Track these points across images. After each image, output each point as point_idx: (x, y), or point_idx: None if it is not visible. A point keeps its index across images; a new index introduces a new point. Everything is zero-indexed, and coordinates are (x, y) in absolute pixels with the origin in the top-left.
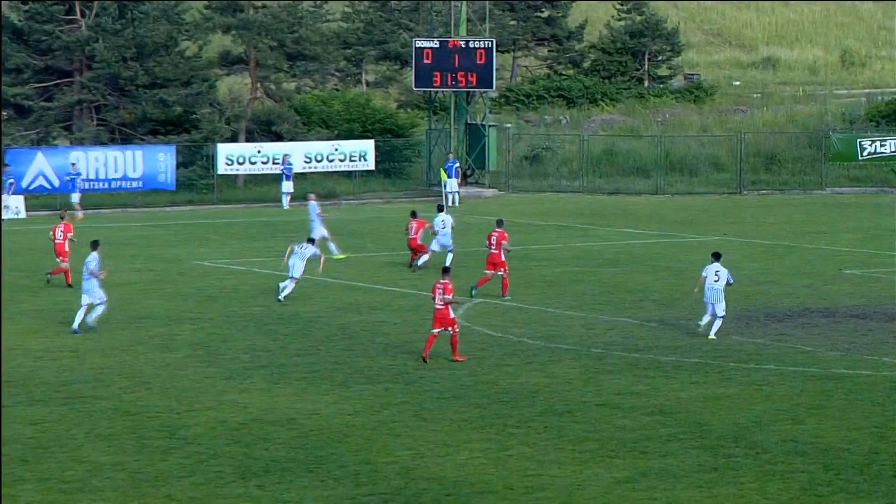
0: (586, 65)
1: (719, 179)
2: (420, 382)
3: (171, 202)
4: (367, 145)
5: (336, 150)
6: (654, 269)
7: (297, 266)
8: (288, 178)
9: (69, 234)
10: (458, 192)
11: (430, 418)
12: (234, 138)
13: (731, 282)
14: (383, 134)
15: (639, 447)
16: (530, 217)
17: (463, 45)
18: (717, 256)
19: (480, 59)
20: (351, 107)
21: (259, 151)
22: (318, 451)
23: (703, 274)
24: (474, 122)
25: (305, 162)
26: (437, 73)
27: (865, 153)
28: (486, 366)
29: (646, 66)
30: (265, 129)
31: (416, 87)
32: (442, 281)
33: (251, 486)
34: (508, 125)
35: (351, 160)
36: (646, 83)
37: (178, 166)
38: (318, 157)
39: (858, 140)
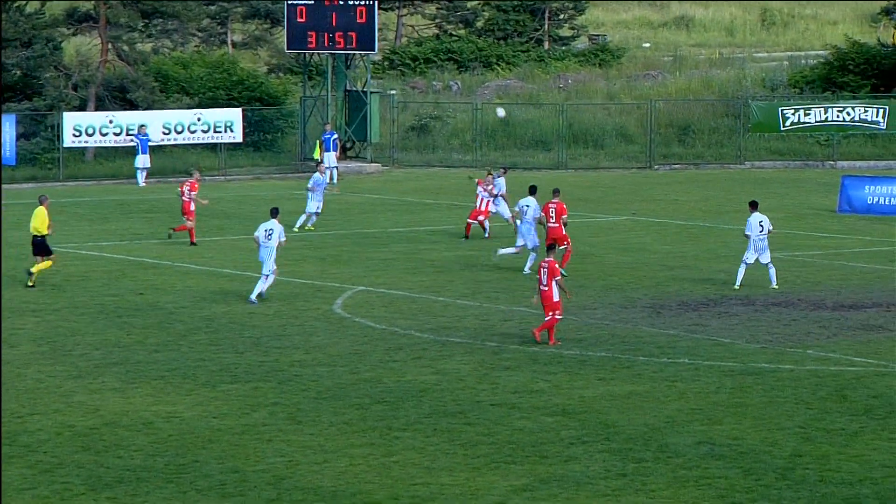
0: (479, 24)
1: (628, 152)
2: (294, 381)
3: (11, 179)
4: (234, 115)
5: (198, 119)
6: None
7: (266, 262)
8: (143, 151)
9: (193, 193)
10: (337, 168)
11: (305, 421)
12: (82, 106)
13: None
14: (252, 102)
15: (539, 451)
16: (418, 195)
17: (341, 2)
18: (754, 205)
19: (361, 17)
20: (215, 71)
21: (111, 121)
22: (178, 459)
23: (747, 231)
24: (354, 89)
25: (164, 133)
26: (313, 33)
27: (788, 123)
28: (369, 362)
29: (546, 26)
30: (118, 96)
31: (288, 48)
32: (547, 260)
33: (102, 499)
34: (393, 92)
35: (215, 131)
36: (546, 45)
37: (18, 138)
38: (179, 128)
39: (780, 108)
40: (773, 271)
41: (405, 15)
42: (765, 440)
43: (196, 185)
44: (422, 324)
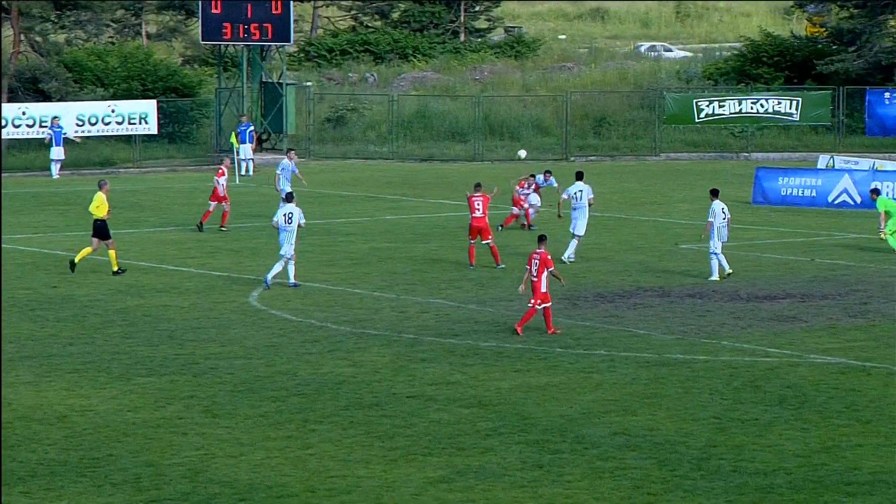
0: (395, 16)
1: (544, 144)
2: (210, 374)
3: None
4: (149, 106)
5: (113, 111)
6: None
7: (284, 245)
8: (57, 143)
9: (222, 179)
10: (253, 160)
11: (221, 414)
12: None
13: None
14: (167, 93)
15: (455, 443)
16: (334, 187)
17: None
18: (715, 193)
19: (276, 8)
20: (129, 62)
21: (24, 113)
22: (93, 453)
23: (710, 218)
24: (270, 81)
25: (78, 125)
26: (228, 25)
27: (703, 115)
28: (285, 354)
29: (462, 18)
30: (30, 88)
31: (203, 40)
32: (538, 251)
33: (16, 494)
34: (309, 83)
35: (130, 123)
36: (462, 37)
37: None
38: (93, 120)
39: (695, 100)
40: (723, 260)
41: (321, 6)
42: (680, 431)
43: (223, 172)
44: (338, 316)
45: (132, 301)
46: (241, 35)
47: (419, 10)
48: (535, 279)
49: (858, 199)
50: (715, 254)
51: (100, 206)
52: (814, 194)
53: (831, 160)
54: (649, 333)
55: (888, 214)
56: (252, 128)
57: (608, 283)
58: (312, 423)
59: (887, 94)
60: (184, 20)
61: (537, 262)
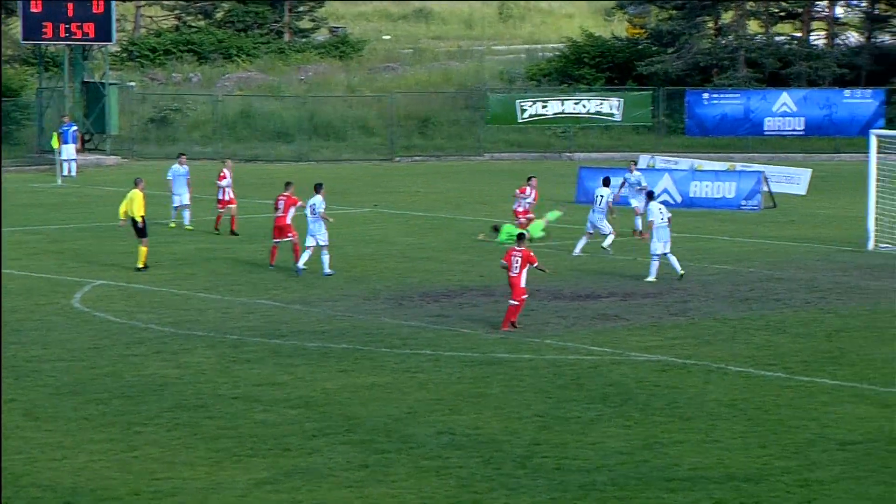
0: (219, 16)
1: (369, 144)
2: (32, 377)
3: None
4: None
5: None
6: None
7: (316, 235)
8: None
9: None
10: (76, 161)
11: (43, 417)
12: None
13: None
14: None
15: (281, 444)
16: (158, 188)
17: None
18: (651, 195)
19: (97, 7)
20: None
21: None
22: None
23: (650, 218)
24: (93, 80)
25: None
26: (48, 24)
27: (525, 115)
28: (109, 356)
29: (286, 18)
30: None
31: (23, 39)
32: (518, 248)
33: None
34: (132, 84)
35: None
36: (286, 37)
37: None
38: None
39: (518, 101)
40: (673, 260)
41: (143, 6)
42: (504, 429)
43: (225, 175)
44: (162, 317)
45: None
46: (63, 34)
47: (243, 10)
48: (515, 276)
49: (679, 199)
50: (655, 255)
51: (139, 206)
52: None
53: (652, 160)
54: (474, 332)
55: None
56: (75, 128)
57: (433, 282)
58: (137, 426)
59: (706, 95)
60: (4, 19)
61: (518, 259)
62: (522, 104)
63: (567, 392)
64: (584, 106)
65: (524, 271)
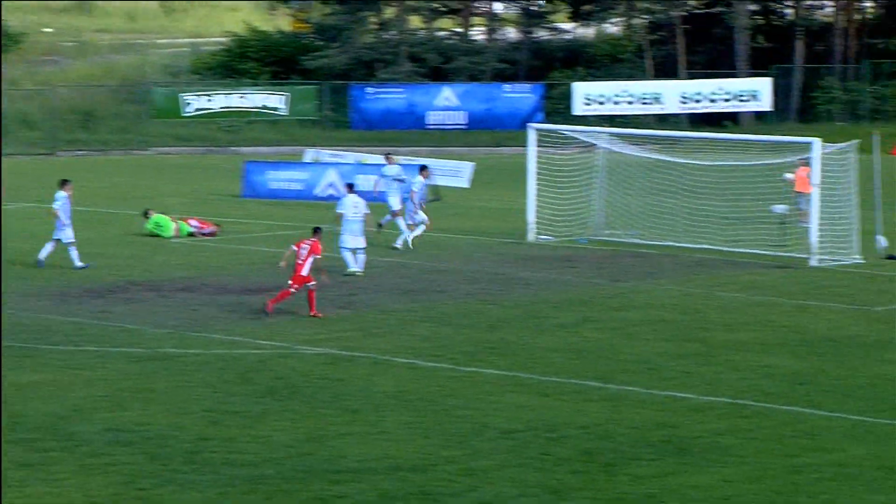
0: None
1: (31, 139)
2: None
3: None
4: None
5: None
6: None
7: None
8: None
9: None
10: None
11: None
12: None
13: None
14: None
15: None
16: None
17: None
18: (350, 187)
19: None
20: None
21: None
22: None
23: (340, 209)
24: None
25: None
26: None
27: (191, 109)
28: None
29: None
30: None
31: None
32: (310, 240)
33: None
34: None
35: None
36: None
37: None
38: None
39: (182, 95)
40: (361, 257)
41: None
42: (172, 424)
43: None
44: None
45: None
46: None
47: None
48: (301, 263)
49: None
50: (345, 248)
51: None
52: (301, 187)
53: (318, 154)
54: (141, 328)
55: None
56: None
57: (98, 278)
58: None
59: (370, 89)
60: None
61: (306, 248)
62: (187, 98)
63: (235, 386)
64: (249, 100)
65: (309, 261)
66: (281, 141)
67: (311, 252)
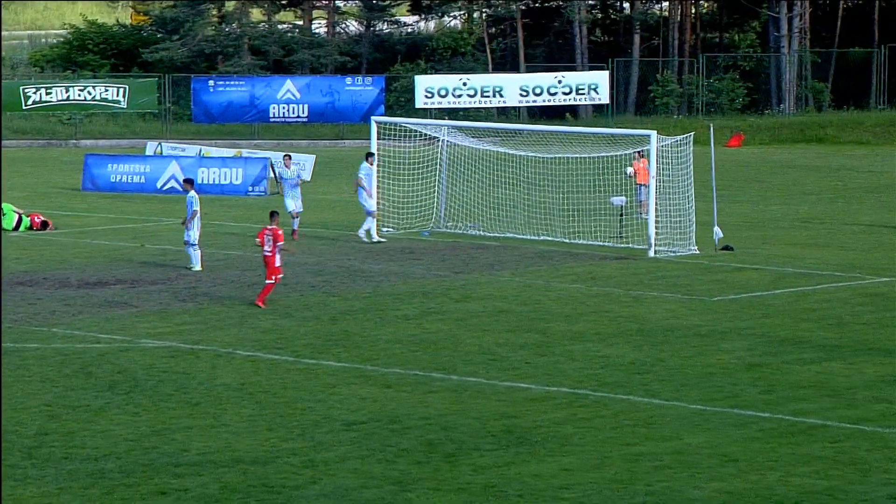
0: None
1: None
2: None
3: None
4: None
5: None
6: None
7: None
8: None
9: None
10: None
11: None
12: None
13: None
14: None
15: None
16: None
17: None
18: (190, 182)
19: None
20: None
21: None
22: None
23: (195, 207)
24: None
25: None
26: None
27: (30, 102)
28: None
29: None
30: None
31: None
32: (271, 227)
33: None
34: None
35: None
36: None
37: None
38: None
39: (22, 87)
40: (194, 255)
41: None
42: (11, 420)
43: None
44: None
45: None
46: None
47: None
48: (269, 254)
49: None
50: (188, 244)
51: None
52: (143, 181)
53: (159, 147)
54: None
55: None
56: None
57: None
58: None
59: (212, 82)
60: None
61: (270, 237)
62: (26, 91)
63: (75, 380)
64: (89, 93)
65: (277, 251)
66: (122, 134)
67: (274, 241)
